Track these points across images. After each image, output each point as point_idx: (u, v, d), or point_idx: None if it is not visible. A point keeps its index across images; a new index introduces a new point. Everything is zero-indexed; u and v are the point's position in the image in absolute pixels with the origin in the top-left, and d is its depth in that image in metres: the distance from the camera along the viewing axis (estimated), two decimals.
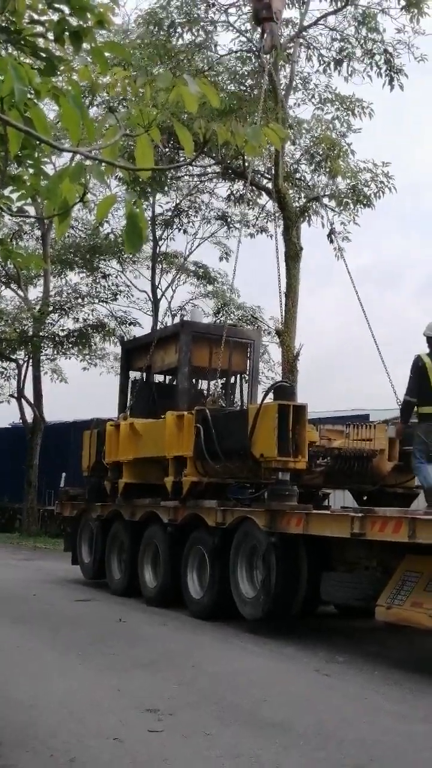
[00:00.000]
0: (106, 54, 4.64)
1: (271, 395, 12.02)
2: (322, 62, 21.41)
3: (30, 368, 31.27)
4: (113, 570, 15.32)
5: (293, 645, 10.45)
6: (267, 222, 25.24)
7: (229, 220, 27.92)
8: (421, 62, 20.46)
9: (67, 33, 4.73)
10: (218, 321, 27.51)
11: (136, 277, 30.63)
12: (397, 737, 6.71)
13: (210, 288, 30.79)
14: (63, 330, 29.92)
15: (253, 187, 22.76)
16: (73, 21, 4.74)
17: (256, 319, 29.24)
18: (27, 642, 10.25)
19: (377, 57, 20.61)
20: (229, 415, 13.15)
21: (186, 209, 28.07)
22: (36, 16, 5.00)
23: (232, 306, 29.27)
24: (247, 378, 16.85)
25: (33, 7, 4.93)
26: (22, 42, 4.84)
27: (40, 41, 4.93)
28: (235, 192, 24.68)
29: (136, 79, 4.74)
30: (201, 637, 11.00)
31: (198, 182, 26.66)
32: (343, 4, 20.56)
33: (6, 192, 5.23)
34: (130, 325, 30.50)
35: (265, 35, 15.82)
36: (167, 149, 20.52)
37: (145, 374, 17.27)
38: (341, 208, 21.52)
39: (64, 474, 27.48)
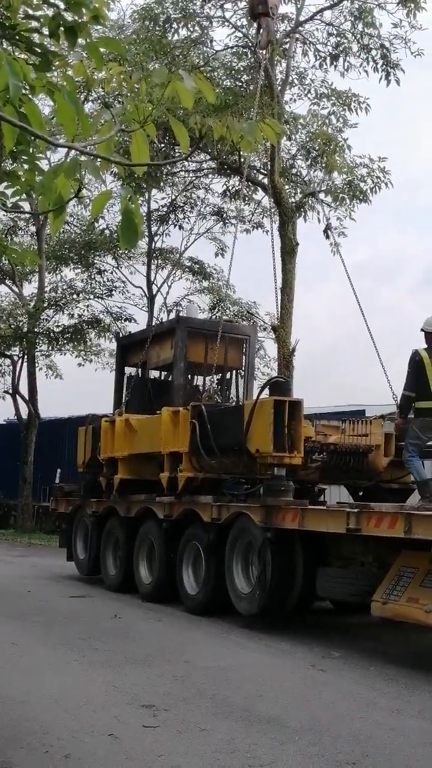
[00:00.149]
0: (102, 49, 4.62)
1: (266, 391, 12.00)
2: (318, 57, 21.39)
3: (25, 364, 31.27)
4: (108, 566, 15.32)
5: (288, 640, 10.45)
6: (263, 218, 25.27)
7: (224, 215, 27.91)
8: (418, 57, 20.49)
9: (62, 28, 4.71)
10: (214, 317, 27.50)
11: (131, 272, 30.64)
12: (392, 733, 6.72)
13: (206, 284, 30.76)
14: (58, 326, 29.92)
15: (249, 183, 22.74)
16: (68, 16, 4.72)
17: (251, 315, 29.22)
18: (21, 638, 10.25)
19: (373, 52, 20.59)
20: (224, 410, 13.15)
21: (182, 205, 28.02)
22: (31, 12, 4.98)
23: (228, 302, 29.27)
24: (242, 374, 16.84)
25: (28, 3, 4.92)
26: (17, 37, 4.83)
27: (35, 36, 4.91)
28: (230, 187, 24.68)
29: (132, 75, 4.73)
30: (196, 632, 11.01)
31: (194, 178, 26.63)
32: None
33: (1, 187, 5.21)
34: (125, 321, 30.49)
35: (261, 30, 15.79)
36: (163, 145, 20.49)
37: (140, 370, 17.25)
38: (337, 203, 21.51)
39: (59, 470, 27.48)
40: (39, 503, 30.08)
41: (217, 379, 16.80)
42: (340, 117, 21.56)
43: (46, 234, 29.04)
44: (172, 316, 26.34)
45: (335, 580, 10.99)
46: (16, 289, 31.22)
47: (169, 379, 16.57)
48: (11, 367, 32.03)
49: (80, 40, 4.73)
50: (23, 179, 5.09)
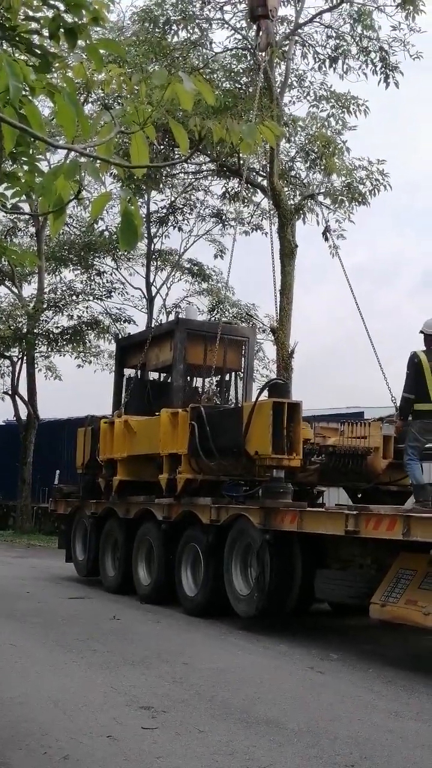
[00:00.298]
0: (101, 51, 4.63)
1: (265, 393, 12.01)
2: (317, 60, 21.44)
3: (24, 365, 31.26)
4: (107, 567, 15.32)
5: (287, 642, 10.45)
6: (262, 219, 25.34)
7: (224, 217, 27.93)
8: (417, 60, 20.50)
9: (62, 30, 4.72)
10: (213, 318, 27.50)
11: (130, 274, 30.65)
12: (390, 735, 6.72)
13: (205, 285, 30.78)
14: (57, 327, 29.93)
15: (248, 185, 22.76)
16: (68, 18, 4.73)
17: (250, 317, 29.23)
18: (20, 639, 10.24)
19: (373, 54, 20.61)
20: (223, 412, 13.15)
21: (181, 207, 28.06)
22: (31, 13, 4.99)
23: (227, 303, 29.28)
24: (241, 375, 16.85)
25: (28, 4, 4.92)
26: (17, 39, 4.83)
27: (35, 38, 4.92)
28: (230, 189, 24.71)
29: (132, 77, 4.74)
30: (195, 634, 11.01)
31: (193, 180, 26.66)
32: (339, 1, 20.60)
33: (1, 189, 5.22)
34: (124, 322, 30.51)
35: (261, 33, 15.78)
36: (162, 146, 20.51)
37: (139, 372, 17.25)
38: (336, 205, 21.52)
39: (58, 471, 27.45)
40: (38, 504, 30.07)
41: (216, 381, 16.81)
42: (339, 119, 21.60)
43: (45, 235, 29.05)
44: (172, 317, 26.37)
45: (334, 582, 10.99)
46: (15, 290, 31.23)
47: (168, 380, 16.58)
48: (10, 368, 32.05)
49: (80, 42, 4.73)
50: (23, 180, 5.09)
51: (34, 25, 4.96)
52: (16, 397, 31.49)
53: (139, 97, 4.26)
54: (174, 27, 20.98)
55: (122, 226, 3.92)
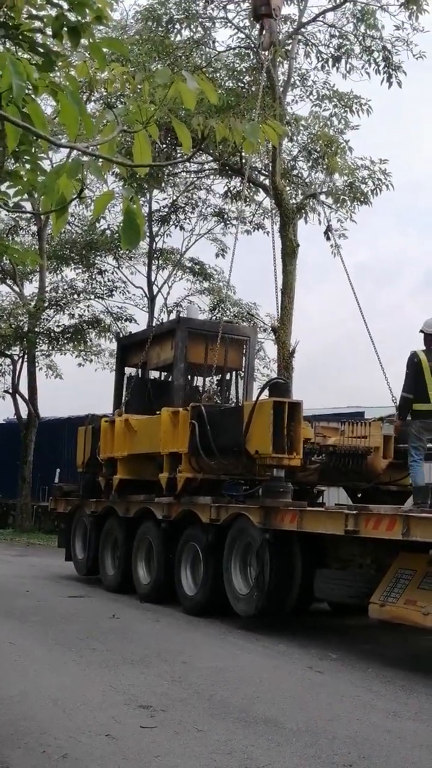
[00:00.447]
0: (104, 50, 4.63)
1: (266, 392, 12.01)
2: (320, 59, 21.46)
3: (25, 364, 31.27)
4: (107, 566, 15.32)
5: (286, 642, 10.45)
6: (264, 219, 25.33)
7: (225, 216, 27.94)
8: (420, 59, 20.49)
9: (65, 28, 4.72)
10: (214, 318, 27.50)
11: (132, 273, 30.69)
12: (388, 735, 6.72)
13: (206, 284, 30.80)
14: (58, 326, 29.96)
15: (250, 184, 22.77)
16: (72, 16, 4.73)
17: (252, 316, 29.26)
18: (19, 638, 10.25)
19: (376, 54, 20.62)
20: (224, 411, 13.15)
21: (183, 206, 28.06)
22: (34, 12, 4.99)
23: (228, 303, 29.29)
24: (242, 375, 16.85)
25: (31, 3, 4.93)
26: (20, 37, 4.83)
27: (38, 36, 4.92)
28: (232, 189, 24.71)
29: (135, 75, 4.74)
30: (194, 633, 11.01)
31: (195, 179, 26.67)
32: (342, 0, 20.57)
33: (3, 187, 5.22)
34: (125, 321, 30.56)
35: (264, 32, 15.78)
36: (165, 145, 20.51)
37: (140, 370, 17.26)
38: (338, 205, 21.54)
39: (58, 470, 27.47)
40: (38, 503, 30.07)
41: (217, 380, 16.81)
42: (341, 119, 21.61)
43: (47, 234, 29.06)
44: (173, 316, 26.39)
45: (333, 582, 10.98)
46: (16, 289, 31.26)
47: (169, 379, 16.58)
48: (11, 367, 32.07)
49: (83, 41, 4.74)
50: (25, 179, 5.10)
51: (37, 24, 4.96)
52: (17, 395, 31.50)
53: (142, 95, 4.26)
54: (177, 26, 21.01)
55: (124, 225, 3.93)
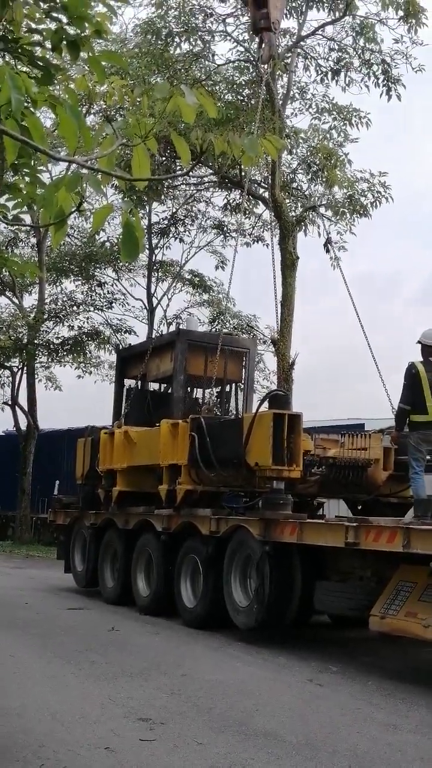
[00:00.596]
0: (103, 63, 4.65)
1: (266, 404, 12.01)
2: (319, 72, 21.53)
3: (24, 376, 31.26)
4: (106, 578, 15.30)
5: (286, 654, 10.43)
6: (263, 231, 25.34)
7: (225, 229, 27.96)
8: (419, 72, 20.56)
9: (64, 42, 4.74)
10: (214, 329, 27.51)
11: (131, 285, 30.69)
12: (388, 748, 6.70)
13: (206, 297, 30.80)
14: (58, 338, 29.94)
15: (250, 197, 22.83)
16: (71, 30, 4.75)
17: (251, 328, 29.26)
18: (18, 650, 10.22)
19: (375, 67, 20.68)
20: (224, 423, 13.15)
21: (182, 218, 28.10)
22: (34, 25, 5.01)
23: (228, 315, 29.31)
24: (242, 387, 16.85)
25: (31, 16, 4.94)
26: (20, 51, 4.85)
27: (38, 50, 4.94)
28: (231, 201, 24.76)
29: (134, 89, 4.76)
30: (193, 646, 10.99)
31: (194, 191, 26.71)
32: (341, 14, 20.65)
33: (2, 200, 5.23)
34: (125, 333, 30.54)
35: (263, 45, 15.83)
36: (164, 158, 20.56)
37: (140, 382, 17.26)
38: (338, 217, 21.57)
39: (57, 482, 27.42)
40: (37, 515, 30.02)
41: (217, 392, 16.81)
42: (340, 131, 21.67)
43: (46, 246, 29.09)
44: (172, 328, 26.40)
45: (333, 594, 10.96)
46: (16, 301, 31.26)
47: (169, 391, 16.58)
48: (11, 379, 32.03)
49: (82, 54, 4.75)
50: (25, 192, 5.11)
51: (36, 37, 4.98)
52: (16, 407, 31.49)
53: (141, 109, 4.27)
54: (176, 39, 21.06)
55: (124, 237, 3.94)
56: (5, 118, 3.70)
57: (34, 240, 30.15)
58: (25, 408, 30.79)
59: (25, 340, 29.00)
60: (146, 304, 30.16)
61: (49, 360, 30.31)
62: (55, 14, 4.78)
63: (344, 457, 12.66)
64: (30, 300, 32.11)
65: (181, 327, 20.27)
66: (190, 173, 21.18)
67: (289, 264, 19.96)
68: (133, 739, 6.59)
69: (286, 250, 20.00)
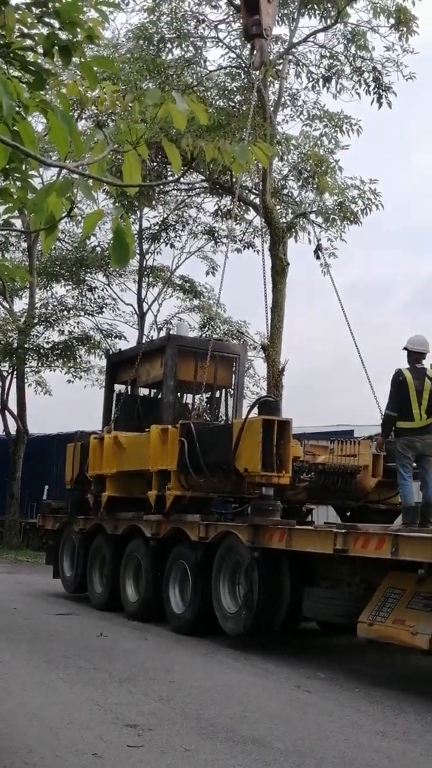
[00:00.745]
0: (95, 68, 4.65)
1: (255, 410, 12.02)
2: (310, 79, 21.57)
3: (14, 380, 31.21)
4: (95, 584, 15.27)
5: (274, 661, 10.43)
6: (254, 237, 25.35)
7: (216, 234, 27.98)
8: (410, 80, 20.62)
9: (56, 47, 4.74)
10: (204, 335, 27.52)
11: (122, 290, 30.71)
12: (376, 755, 6.70)
13: (196, 302, 30.83)
14: (48, 342, 29.91)
15: (241, 203, 22.84)
16: (63, 35, 4.75)
17: (242, 334, 29.28)
18: (5, 655, 10.19)
19: (366, 74, 20.74)
20: (213, 429, 13.15)
21: (173, 223, 28.13)
22: (26, 30, 5.00)
23: (218, 320, 29.32)
24: (232, 392, 16.86)
25: (23, 21, 4.94)
26: (12, 56, 4.85)
27: (30, 55, 4.94)
28: (222, 207, 24.78)
29: (125, 95, 4.76)
30: (182, 652, 10.97)
31: (185, 197, 26.74)
32: (333, 21, 20.70)
33: None
34: (115, 338, 30.54)
35: (255, 51, 15.86)
36: (155, 163, 20.57)
37: (130, 387, 17.25)
38: (328, 224, 21.60)
39: (46, 487, 27.40)
40: (26, 520, 29.95)
41: (207, 398, 16.81)
42: (331, 138, 21.72)
43: (37, 251, 29.07)
44: (163, 333, 26.38)
45: (322, 601, 10.96)
46: (6, 305, 31.22)
47: (159, 396, 16.58)
48: (0, 383, 31.98)
49: (74, 59, 4.75)
50: (15, 197, 5.10)
51: (28, 42, 4.97)
52: (6, 411, 31.43)
53: (132, 114, 4.27)
54: (168, 45, 21.08)
55: (114, 243, 3.94)
56: None
57: (24, 244, 30.13)
58: (15, 412, 30.74)
59: (15, 345, 28.95)
60: (137, 309, 30.20)
61: (39, 364, 30.27)
62: (47, 19, 4.78)
63: (333, 463, 12.68)
64: (20, 304, 32.11)
65: (171, 332, 20.27)
66: (181, 180, 21.23)
67: (279, 270, 19.99)
68: (121, 746, 6.57)
69: (276, 257, 20.03)
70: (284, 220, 21.43)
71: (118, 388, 17.92)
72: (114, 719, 7.36)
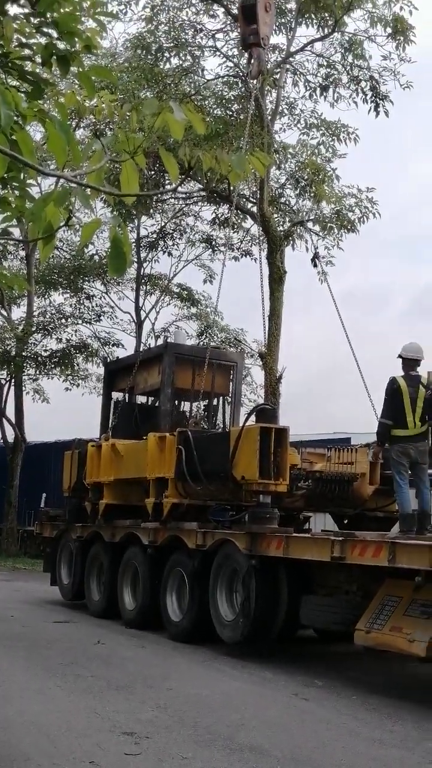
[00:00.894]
0: (93, 78, 4.67)
1: (253, 418, 12.03)
2: (308, 88, 21.62)
3: (12, 388, 31.22)
4: (92, 591, 15.26)
5: (272, 669, 10.42)
6: (251, 245, 25.39)
7: (213, 243, 28.00)
8: (407, 89, 20.69)
9: (54, 57, 4.76)
10: (201, 343, 27.53)
11: (120, 298, 30.71)
12: (374, 762, 6.70)
13: (194, 310, 30.85)
14: (46, 350, 29.91)
15: (238, 211, 22.86)
16: (61, 45, 4.77)
17: (239, 342, 29.27)
18: (3, 663, 10.19)
19: (363, 83, 20.81)
20: (211, 437, 13.16)
21: (171, 232, 28.17)
22: (24, 40, 5.03)
23: (216, 328, 29.33)
24: (229, 400, 16.87)
25: (21, 31, 4.96)
26: (10, 65, 4.87)
27: (28, 65, 4.96)
28: (219, 215, 24.80)
29: (123, 104, 4.78)
30: (179, 659, 10.97)
31: (183, 205, 26.79)
32: (330, 31, 20.77)
33: None
34: (113, 346, 30.55)
35: (252, 60, 15.92)
36: (153, 172, 20.61)
37: (127, 395, 17.26)
38: (325, 232, 21.64)
39: (44, 494, 27.36)
40: (24, 527, 29.94)
41: (204, 406, 16.82)
42: (329, 147, 21.77)
43: (35, 259, 29.10)
44: (160, 341, 26.40)
45: (319, 609, 10.97)
46: (4, 313, 31.25)
47: (156, 404, 16.58)
48: None
49: (72, 69, 4.78)
50: (14, 206, 5.12)
51: (27, 52, 5.00)
52: (4, 419, 31.43)
53: (130, 124, 4.30)
54: (166, 54, 21.14)
55: (111, 252, 3.95)
56: None
57: (23, 253, 30.17)
58: (13, 420, 30.74)
59: (13, 353, 28.96)
60: (134, 318, 30.20)
61: (37, 372, 30.28)
62: (45, 29, 4.81)
63: (331, 471, 12.70)
64: (18, 312, 32.16)
65: (168, 340, 20.30)
66: (178, 190, 21.26)
67: (276, 278, 20.01)
68: (118, 753, 6.57)
69: (274, 265, 20.05)
70: (281, 228, 21.48)
71: (116, 395, 17.94)
72: (111, 727, 7.36)
